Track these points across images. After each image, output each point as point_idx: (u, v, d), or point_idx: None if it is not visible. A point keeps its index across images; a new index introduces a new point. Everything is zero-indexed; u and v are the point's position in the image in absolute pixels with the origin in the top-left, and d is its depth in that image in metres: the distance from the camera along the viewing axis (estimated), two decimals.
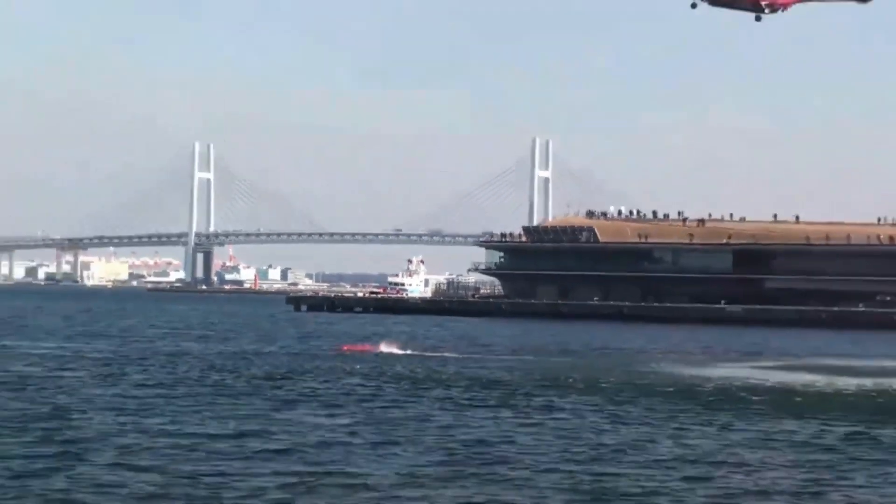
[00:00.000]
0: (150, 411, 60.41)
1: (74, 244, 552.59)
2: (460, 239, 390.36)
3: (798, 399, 71.83)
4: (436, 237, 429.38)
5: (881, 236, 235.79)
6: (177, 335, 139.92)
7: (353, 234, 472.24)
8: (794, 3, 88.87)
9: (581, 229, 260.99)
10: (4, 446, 47.36)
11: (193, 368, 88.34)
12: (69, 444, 48.29)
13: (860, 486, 42.30)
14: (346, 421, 57.97)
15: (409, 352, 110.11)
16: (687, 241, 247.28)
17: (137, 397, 66.93)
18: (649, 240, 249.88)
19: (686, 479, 43.38)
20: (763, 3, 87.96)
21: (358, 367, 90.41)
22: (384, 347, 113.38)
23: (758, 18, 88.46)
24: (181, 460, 45.23)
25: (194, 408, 62.39)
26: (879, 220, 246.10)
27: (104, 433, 51.90)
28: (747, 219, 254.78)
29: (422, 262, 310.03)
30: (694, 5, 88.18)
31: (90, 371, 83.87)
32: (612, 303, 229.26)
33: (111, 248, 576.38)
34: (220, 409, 61.69)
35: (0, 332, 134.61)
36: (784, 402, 69.58)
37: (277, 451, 47.86)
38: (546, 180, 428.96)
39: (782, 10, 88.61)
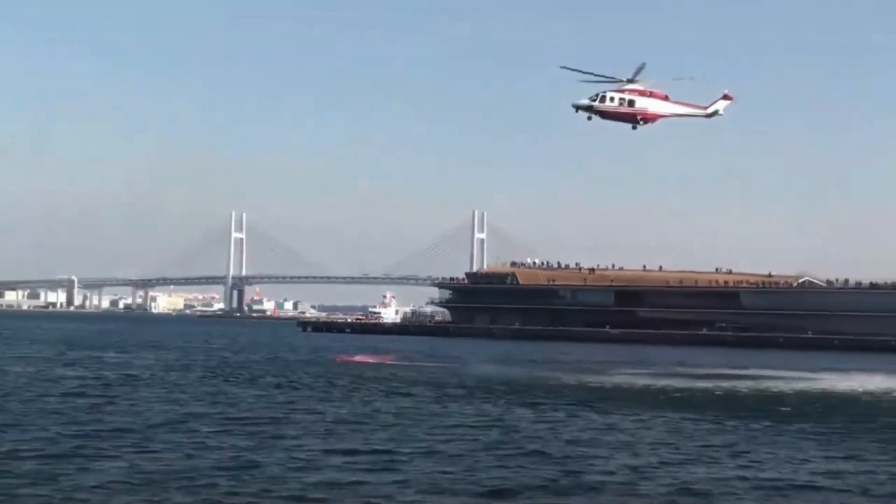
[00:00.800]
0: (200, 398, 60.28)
1: (145, 283, 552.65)
2: (422, 281, 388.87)
3: (662, 397, 71.23)
4: (404, 279, 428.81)
5: (718, 280, 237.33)
6: (227, 348, 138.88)
7: (345, 277, 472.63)
8: (660, 118, 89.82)
9: (507, 275, 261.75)
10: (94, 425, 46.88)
11: (233, 367, 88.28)
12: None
13: (715, 462, 41.83)
14: (335, 409, 57.69)
15: (381, 361, 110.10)
16: (582, 283, 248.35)
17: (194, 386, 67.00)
18: (555, 282, 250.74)
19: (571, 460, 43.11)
20: (639, 118, 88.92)
21: (347, 370, 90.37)
22: (368, 358, 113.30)
23: (634, 128, 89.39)
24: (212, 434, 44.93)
25: (240, 395, 62.39)
26: (717, 269, 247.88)
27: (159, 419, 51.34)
28: (625, 268, 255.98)
29: (394, 297, 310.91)
30: (590, 118, 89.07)
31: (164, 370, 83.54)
32: (528, 327, 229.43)
33: (172, 286, 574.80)
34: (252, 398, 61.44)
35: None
36: (652, 399, 69.28)
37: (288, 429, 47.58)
38: (482, 240, 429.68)
39: (652, 122, 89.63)
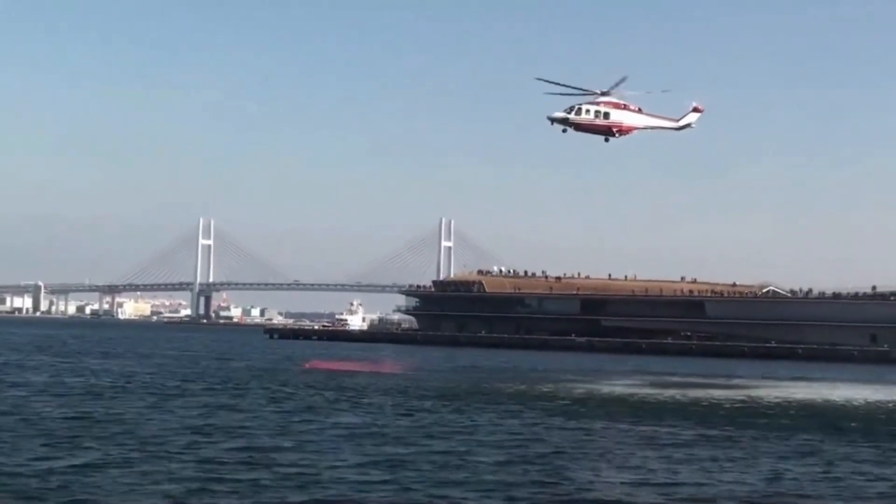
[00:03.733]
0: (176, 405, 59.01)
1: (112, 289, 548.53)
2: (388, 288, 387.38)
3: (627, 405, 70.80)
4: (370, 287, 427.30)
5: (683, 290, 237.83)
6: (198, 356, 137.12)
7: (312, 284, 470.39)
8: (634, 130, 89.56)
9: (473, 283, 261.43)
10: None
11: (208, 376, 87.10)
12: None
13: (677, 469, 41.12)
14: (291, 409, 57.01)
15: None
16: (548, 291, 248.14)
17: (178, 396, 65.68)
18: (521, 290, 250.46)
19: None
20: (614, 130, 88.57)
21: (315, 377, 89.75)
22: (335, 365, 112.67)
23: (606, 140, 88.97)
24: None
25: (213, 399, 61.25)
26: (682, 278, 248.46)
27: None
28: (591, 277, 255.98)
29: (360, 304, 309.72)
30: (564, 130, 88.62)
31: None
32: (494, 335, 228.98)
33: (138, 292, 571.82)
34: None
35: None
36: (617, 407, 68.74)
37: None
38: (449, 248, 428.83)
39: (626, 135, 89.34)
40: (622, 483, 37.53)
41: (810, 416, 66.58)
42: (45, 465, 37.55)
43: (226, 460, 39.97)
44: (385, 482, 36.03)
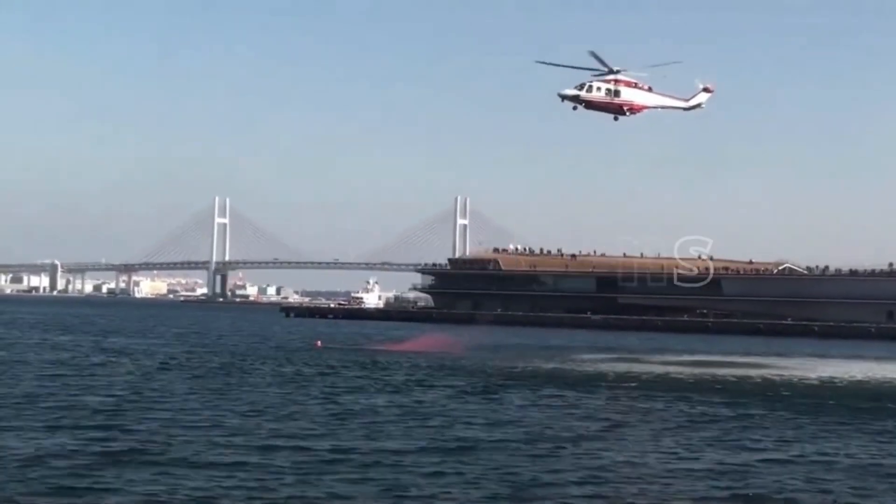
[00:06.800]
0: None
1: (129, 268, 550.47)
2: (404, 266, 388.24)
3: (640, 382, 71.41)
4: (386, 265, 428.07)
5: (699, 268, 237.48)
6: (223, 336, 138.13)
7: (328, 263, 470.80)
8: (645, 109, 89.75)
9: (489, 261, 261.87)
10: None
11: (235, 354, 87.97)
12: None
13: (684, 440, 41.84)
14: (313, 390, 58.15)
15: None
16: (563, 269, 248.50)
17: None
18: (537, 269, 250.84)
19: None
20: (625, 109, 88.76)
21: (326, 356, 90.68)
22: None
23: (615, 118, 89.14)
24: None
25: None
26: (699, 255, 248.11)
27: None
28: (606, 254, 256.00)
29: (376, 282, 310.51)
30: (575, 108, 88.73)
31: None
32: (510, 313, 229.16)
33: (155, 271, 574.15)
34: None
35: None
36: (629, 384, 69.44)
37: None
38: (465, 226, 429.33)
39: (636, 113, 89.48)
40: None
41: None
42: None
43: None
44: None
